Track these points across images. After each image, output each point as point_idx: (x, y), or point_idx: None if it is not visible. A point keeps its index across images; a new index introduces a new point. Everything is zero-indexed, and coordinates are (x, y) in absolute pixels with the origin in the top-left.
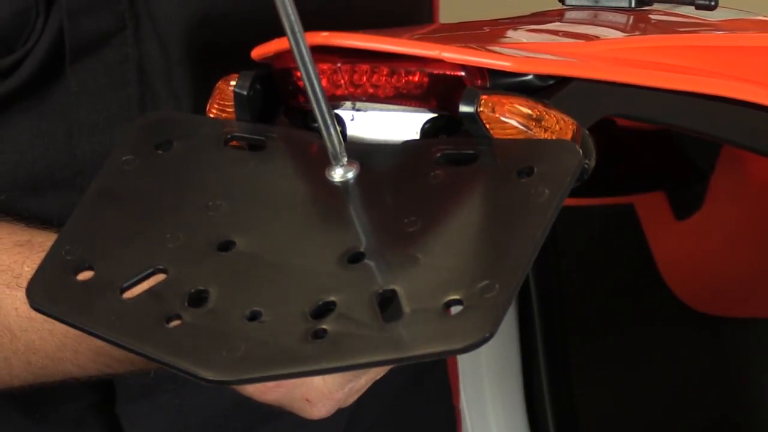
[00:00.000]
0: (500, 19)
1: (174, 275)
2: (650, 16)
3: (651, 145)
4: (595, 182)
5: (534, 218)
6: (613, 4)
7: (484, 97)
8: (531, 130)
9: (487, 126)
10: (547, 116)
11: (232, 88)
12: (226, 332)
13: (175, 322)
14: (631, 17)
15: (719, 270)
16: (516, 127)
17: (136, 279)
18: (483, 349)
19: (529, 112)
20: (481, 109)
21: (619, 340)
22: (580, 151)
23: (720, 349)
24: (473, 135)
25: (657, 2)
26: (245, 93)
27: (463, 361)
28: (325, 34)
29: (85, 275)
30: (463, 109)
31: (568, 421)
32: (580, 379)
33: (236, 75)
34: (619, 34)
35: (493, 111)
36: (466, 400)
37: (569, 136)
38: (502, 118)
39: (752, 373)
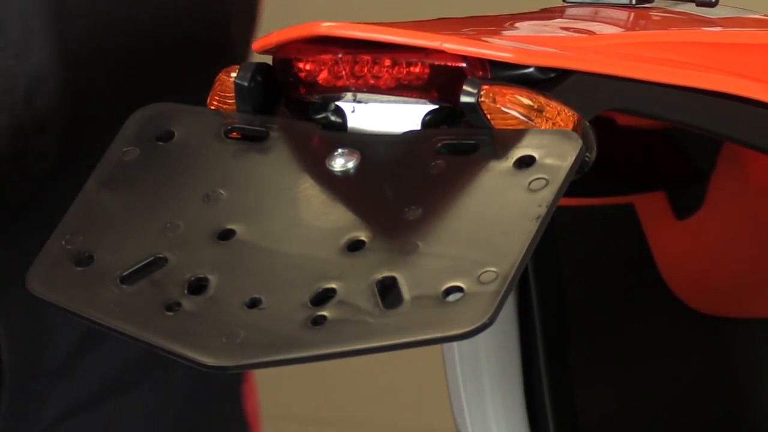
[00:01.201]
0: (502, 15)
1: (174, 263)
2: (651, 12)
3: (651, 145)
4: (594, 182)
5: (534, 207)
6: (615, 1)
7: (486, 87)
8: (532, 120)
9: (488, 116)
10: (548, 107)
11: (232, 80)
12: (225, 319)
13: (175, 310)
14: (632, 14)
15: (719, 270)
16: (517, 118)
17: (135, 267)
18: (483, 348)
19: (530, 102)
20: (482, 99)
21: (619, 339)
22: (581, 141)
23: (720, 348)
24: (474, 125)
25: None
26: (246, 84)
27: (463, 360)
28: (326, 24)
29: (84, 264)
30: (464, 99)
31: (568, 419)
32: (580, 378)
33: (237, 66)
34: (620, 30)
35: (494, 101)
36: (466, 398)
37: (570, 127)
38: (503, 109)
39: (752, 372)
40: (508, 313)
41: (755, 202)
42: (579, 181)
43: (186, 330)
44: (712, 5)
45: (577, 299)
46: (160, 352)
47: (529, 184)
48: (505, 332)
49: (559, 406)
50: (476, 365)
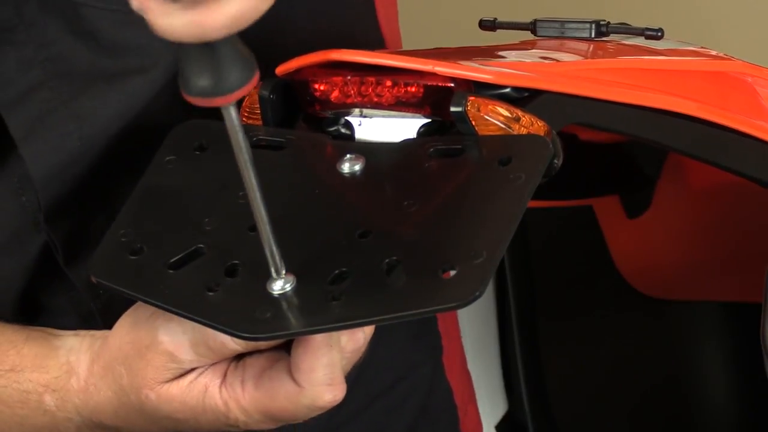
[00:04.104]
0: (486, 46)
1: (213, 252)
2: (607, 44)
3: (606, 156)
4: (559, 187)
5: (513, 198)
6: (577, 35)
7: (471, 98)
8: (510, 128)
9: (473, 123)
10: (523, 117)
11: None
12: (257, 298)
13: (215, 290)
14: (592, 45)
15: (664, 261)
16: (497, 125)
17: (181, 255)
18: (465, 325)
19: (508, 113)
20: (469, 108)
21: (581, 320)
22: (551, 144)
23: (665, 325)
24: (461, 133)
25: (613, 33)
26: (267, 94)
27: None
28: (337, 51)
29: (137, 254)
30: (454, 108)
31: (538, 385)
32: (547, 352)
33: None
34: (581, 58)
35: (478, 110)
36: None
37: (542, 134)
38: (486, 117)
39: (691, 345)
40: (488, 297)
41: (695, 203)
42: (546, 185)
43: (224, 308)
44: (658, 38)
45: (545, 286)
46: (205, 326)
47: (509, 178)
48: (484, 313)
49: (530, 374)
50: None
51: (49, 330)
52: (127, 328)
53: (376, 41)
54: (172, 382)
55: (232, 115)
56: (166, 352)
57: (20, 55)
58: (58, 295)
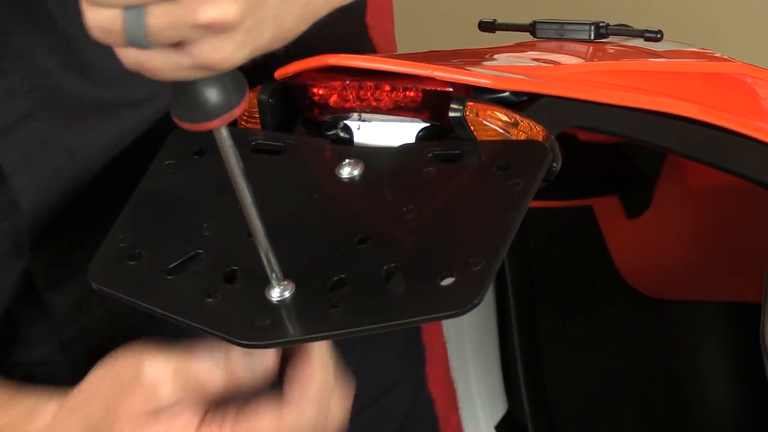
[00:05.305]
0: (483, 48)
1: (211, 257)
2: (606, 46)
3: (606, 157)
4: (559, 187)
5: (512, 204)
6: (576, 37)
7: (470, 103)
8: (509, 132)
9: (472, 128)
10: (521, 122)
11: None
12: (256, 305)
13: (214, 297)
14: (591, 47)
15: (664, 261)
16: (495, 130)
17: (179, 261)
18: (466, 327)
19: (507, 118)
20: (467, 113)
21: (580, 320)
22: (550, 150)
23: (665, 325)
24: (460, 138)
25: (612, 35)
26: (266, 99)
27: (450, 337)
28: (336, 56)
29: (136, 259)
30: (452, 114)
31: (537, 386)
32: (547, 352)
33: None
34: (580, 61)
35: (477, 115)
36: (453, 369)
37: (540, 139)
38: (484, 122)
39: (691, 345)
40: (488, 298)
41: (694, 203)
42: (546, 187)
43: (223, 314)
44: (658, 40)
45: (545, 286)
46: (203, 333)
47: (507, 185)
48: (485, 314)
49: (530, 374)
50: (461, 341)
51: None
52: (110, 363)
53: (364, 48)
54: (149, 417)
55: (223, 134)
56: (148, 385)
57: (7, 84)
58: (35, 324)
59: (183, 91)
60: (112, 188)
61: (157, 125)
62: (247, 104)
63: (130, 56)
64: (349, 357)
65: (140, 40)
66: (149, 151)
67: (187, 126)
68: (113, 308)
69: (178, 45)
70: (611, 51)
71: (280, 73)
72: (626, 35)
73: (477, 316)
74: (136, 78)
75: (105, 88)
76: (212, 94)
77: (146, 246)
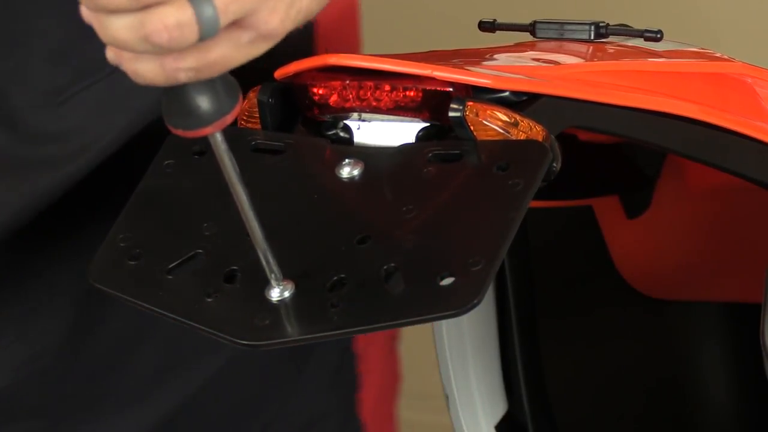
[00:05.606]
0: (483, 48)
1: (211, 257)
2: (606, 46)
3: (606, 156)
4: (559, 187)
5: (512, 204)
6: (576, 37)
7: (470, 103)
8: (509, 132)
9: (471, 128)
10: (521, 122)
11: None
12: (256, 305)
13: (214, 297)
14: (591, 47)
15: (664, 261)
16: (495, 130)
17: (179, 261)
18: (466, 326)
19: (507, 118)
20: (467, 113)
21: (580, 320)
22: (550, 150)
23: (665, 326)
24: (460, 138)
25: (612, 35)
26: (266, 99)
27: (450, 336)
28: (336, 55)
29: (136, 259)
30: (452, 114)
31: (538, 385)
32: (547, 352)
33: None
34: (580, 60)
35: (477, 115)
36: (453, 369)
37: (540, 139)
38: (484, 122)
39: (690, 344)
40: (488, 297)
41: (694, 203)
42: (546, 187)
43: (223, 314)
44: (658, 40)
45: (545, 286)
46: (203, 334)
47: (507, 185)
48: (485, 314)
49: (530, 374)
50: (461, 341)
51: None
52: None
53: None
54: None
55: (217, 139)
56: None
57: None
58: None
59: (175, 98)
60: (112, 188)
61: (157, 125)
62: (239, 110)
63: (190, 59)
64: (272, 392)
65: (215, 25)
66: (149, 151)
67: (180, 133)
68: None
69: (236, 24)
70: (611, 51)
71: (280, 73)
72: (626, 35)
73: (477, 316)
74: (67, 134)
75: (33, 145)
76: (204, 101)
77: (146, 246)
